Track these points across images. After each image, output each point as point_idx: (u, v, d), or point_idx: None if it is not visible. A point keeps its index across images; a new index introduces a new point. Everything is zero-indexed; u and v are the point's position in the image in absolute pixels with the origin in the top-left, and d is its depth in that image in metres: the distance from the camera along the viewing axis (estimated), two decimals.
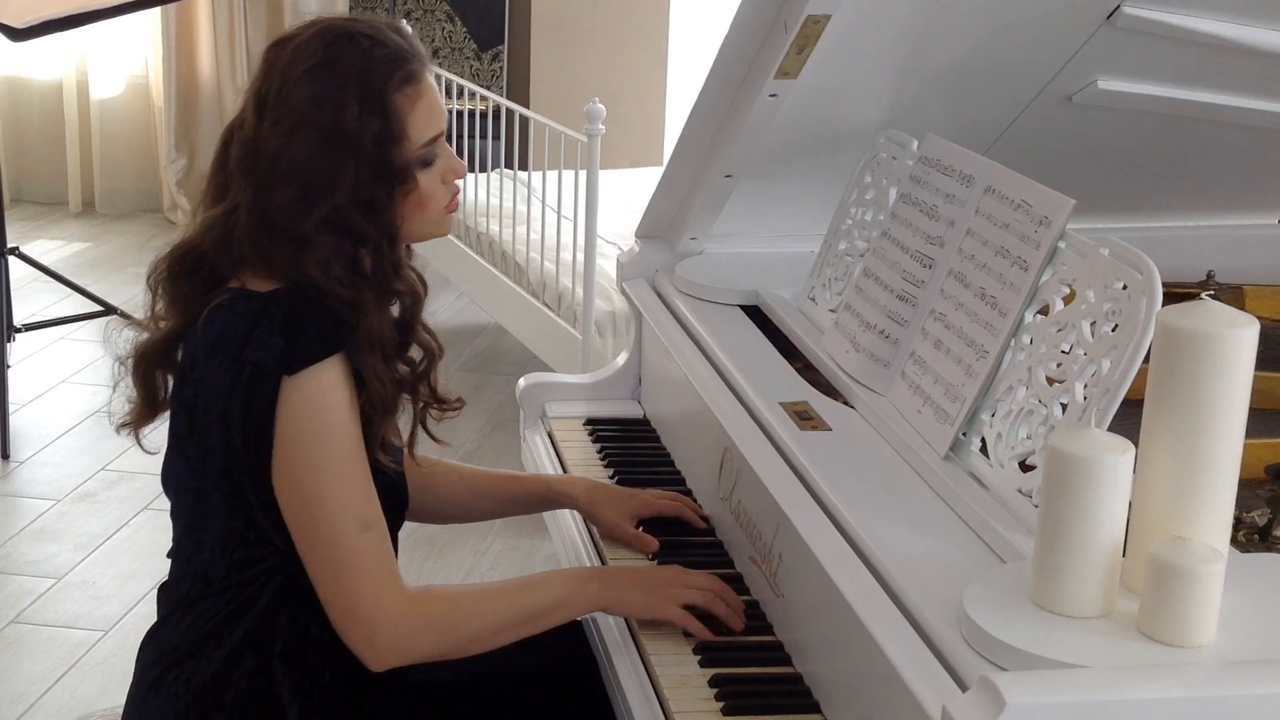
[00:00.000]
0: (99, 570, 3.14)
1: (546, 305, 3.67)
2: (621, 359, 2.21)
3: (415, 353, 1.56)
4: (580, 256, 3.51)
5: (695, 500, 1.83)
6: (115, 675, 2.72)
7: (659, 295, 2.10)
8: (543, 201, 3.88)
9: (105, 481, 3.53)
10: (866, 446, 1.56)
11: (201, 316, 1.46)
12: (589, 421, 2.12)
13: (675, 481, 1.91)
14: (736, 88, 1.82)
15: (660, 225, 2.15)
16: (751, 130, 1.83)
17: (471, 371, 4.49)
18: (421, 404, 1.56)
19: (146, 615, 1.77)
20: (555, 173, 3.77)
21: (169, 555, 1.55)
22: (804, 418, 1.63)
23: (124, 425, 1.56)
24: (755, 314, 1.99)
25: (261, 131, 1.46)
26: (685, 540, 1.74)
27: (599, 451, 2.02)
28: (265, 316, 1.42)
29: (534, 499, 1.81)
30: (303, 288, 1.44)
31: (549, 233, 3.76)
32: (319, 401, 1.41)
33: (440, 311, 5.01)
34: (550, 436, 2.11)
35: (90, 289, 4.26)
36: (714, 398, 1.75)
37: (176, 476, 1.51)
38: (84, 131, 5.94)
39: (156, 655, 1.51)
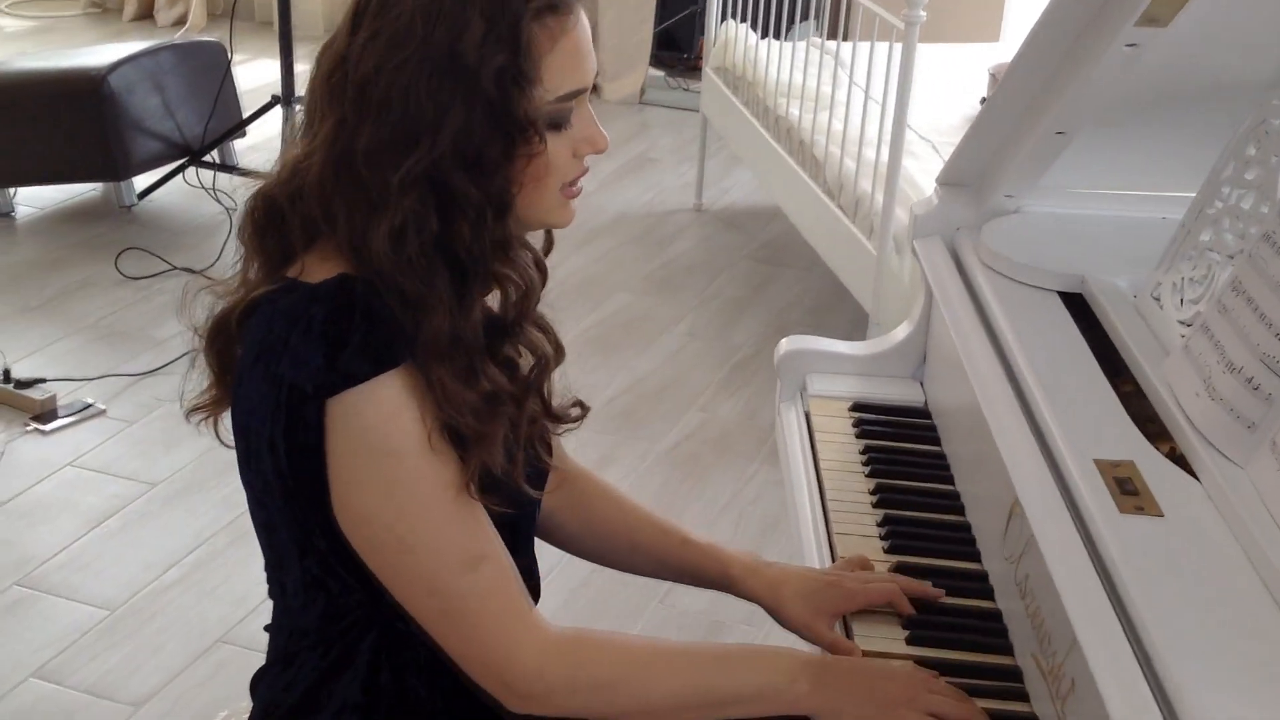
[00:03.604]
0: None
1: (841, 209, 3.27)
2: (903, 331, 1.82)
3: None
4: (885, 155, 3.08)
5: (975, 540, 1.46)
6: None
7: (958, 263, 1.70)
8: (850, 76, 3.44)
9: None
10: (1212, 551, 1.15)
11: (253, 308, 1.17)
12: (856, 406, 1.76)
13: (952, 509, 1.54)
14: (1079, 31, 1.38)
15: (969, 175, 1.74)
16: (1097, 84, 1.39)
17: (760, 262, 4.14)
18: (531, 420, 1.24)
19: None
20: (868, 46, 3.31)
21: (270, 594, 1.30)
22: (1127, 490, 1.22)
23: (195, 410, 1.27)
24: (1077, 305, 1.57)
25: (351, 49, 1.13)
26: (953, 586, 1.38)
27: (861, 451, 1.66)
28: (305, 320, 1.11)
29: (703, 576, 1.44)
30: (358, 279, 1.12)
31: (853, 122, 3.33)
32: (376, 429, 1.11)
33: (733, 189, 4.67)
34: (807, 418, 1.77)
35: None
36: (1005, 432, 1.36)
37: (248, 500, 1.24)
38: None
39: (264, 707, 1.28)
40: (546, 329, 1.29)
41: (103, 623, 2.38)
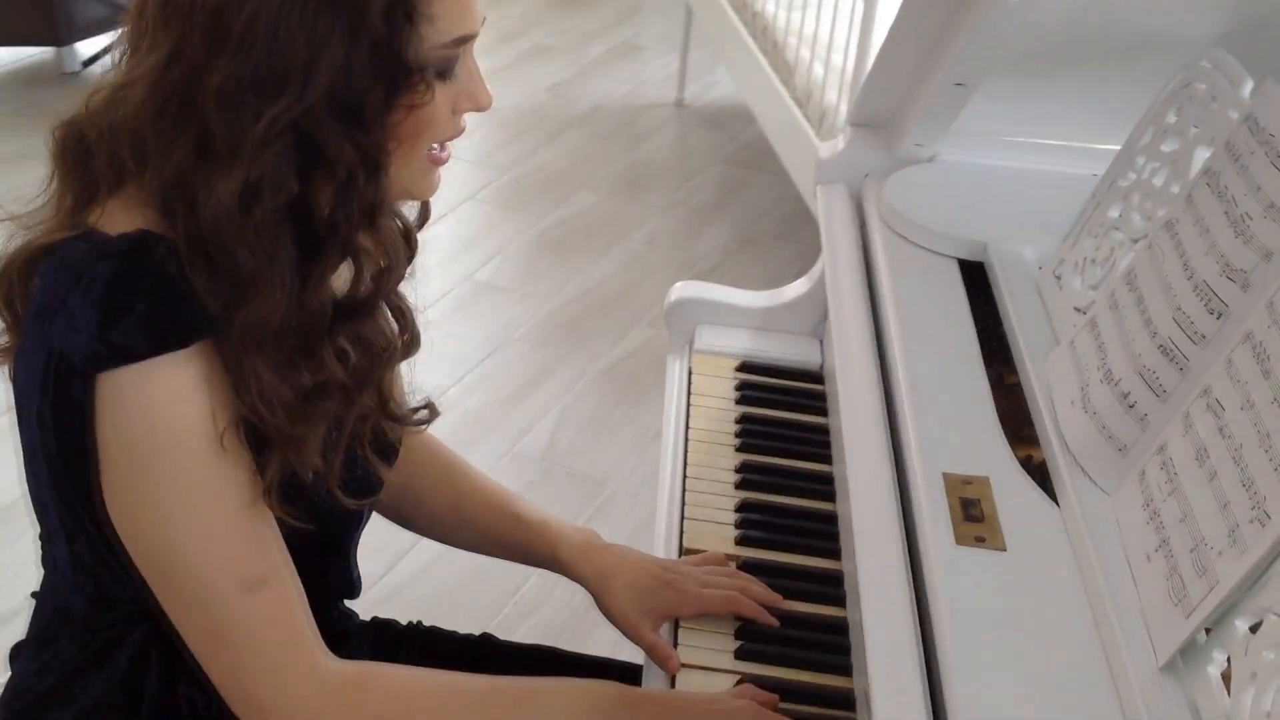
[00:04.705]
0: None
1: (808, 119, 3.07)
2: (803, 285, 1.66)
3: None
4: (851, 63, 2.88)
5: (839, 534, 1.32)
6: None
7: (860, 217, 1.53)
8: None
9: None
10: (1052, 600, 1.00)
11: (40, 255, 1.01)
12: (744, 366, 1.60)
13: (822, 495, 1.39)
14: None
15: (880, 116, 1.56)
16: (990, 35, 1.21)
17: (736, 165, 3.95)
18: (362, 417, 1.08)
19: None
20: None
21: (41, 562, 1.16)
22: (971, 515, 1.07)
23: None
24: (978, 276, 1.41)
25: None
26: (804, 589, 1.24)
27: (737, 420, 1.51)
28: (88, 278, 0.95)
29: (533, 555, 1.30)
30: (162, 238, 0.96)
31: (825, 22, 3.12)
32: (151, 417, 0.95)
33: (719, 84, 4.44)
34: (690, 376, 1.61)
35: None
36: (854, 427, 1.21)
37: (25, 464, 1.08)
38: None
39: (16, 687, 1.15)
40: (404, 313, 1.12)
41: None
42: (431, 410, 1.18)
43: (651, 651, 1.19)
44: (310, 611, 1.04)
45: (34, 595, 1.17)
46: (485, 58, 4.66)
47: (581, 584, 1.28)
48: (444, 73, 1.00)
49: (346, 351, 1.04)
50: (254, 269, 0.96)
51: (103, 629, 1.09)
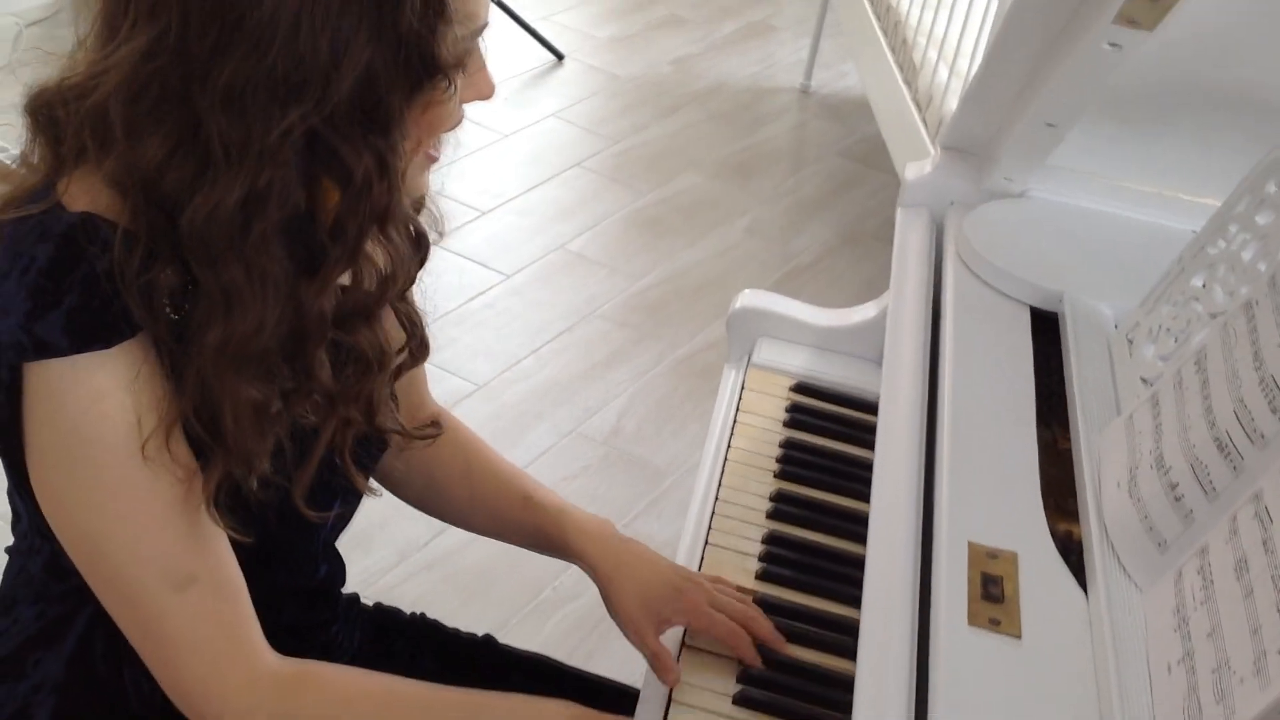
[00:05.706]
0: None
1: (924, 124, 2.97)
2: (872, 308, 1.59)
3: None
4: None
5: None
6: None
7: (936, 248, 1.46)
8: None
9: None
10: (1062, 703, 0.93)
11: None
12: (799, 388, 1.54)
13: (855, 536, 1.33)
14: (1059, 20, 1.11)
15: (973, 142, 1.48)
16: (1083, 81, 1.13)
17: (851, 159, 3.85)
18: (345, 423, 1.02)
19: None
20: None
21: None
22: (990, 594, 1.00)
23: None
24: (1049, 327, 1.33)
25: None
26: (820, 636, 1.19)
27: (780, 445, 1.45)
28: (25, 259, 0.90)
29: (544, 540, 1.25)
30: (102, 224, 0.90)
31: (955, 26, 3.01)
32: (75, 412, 0.91)
33: (850, 74, 4.34)
34: (743, 390, 1.56)
35: None
36: (884, 473, 1.14)
37: None
38: None
39: None
40: (413, 320, 1.08)
41: None
42: (437, 427, 1.13)
43: (653, 660, 1.15)
44: (251, 607, 1.00)
45: (7, 550, 1.15)
46: (612, 25, 4.66)
47: (591, 575, 1.23)
48: (461, 66, 0.95)
49: (338, 359, 1.00)
50: (242, 285, 0.90)
51: (56, 600, 1.06)
